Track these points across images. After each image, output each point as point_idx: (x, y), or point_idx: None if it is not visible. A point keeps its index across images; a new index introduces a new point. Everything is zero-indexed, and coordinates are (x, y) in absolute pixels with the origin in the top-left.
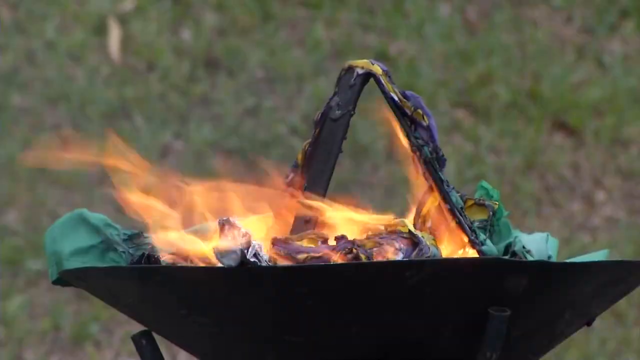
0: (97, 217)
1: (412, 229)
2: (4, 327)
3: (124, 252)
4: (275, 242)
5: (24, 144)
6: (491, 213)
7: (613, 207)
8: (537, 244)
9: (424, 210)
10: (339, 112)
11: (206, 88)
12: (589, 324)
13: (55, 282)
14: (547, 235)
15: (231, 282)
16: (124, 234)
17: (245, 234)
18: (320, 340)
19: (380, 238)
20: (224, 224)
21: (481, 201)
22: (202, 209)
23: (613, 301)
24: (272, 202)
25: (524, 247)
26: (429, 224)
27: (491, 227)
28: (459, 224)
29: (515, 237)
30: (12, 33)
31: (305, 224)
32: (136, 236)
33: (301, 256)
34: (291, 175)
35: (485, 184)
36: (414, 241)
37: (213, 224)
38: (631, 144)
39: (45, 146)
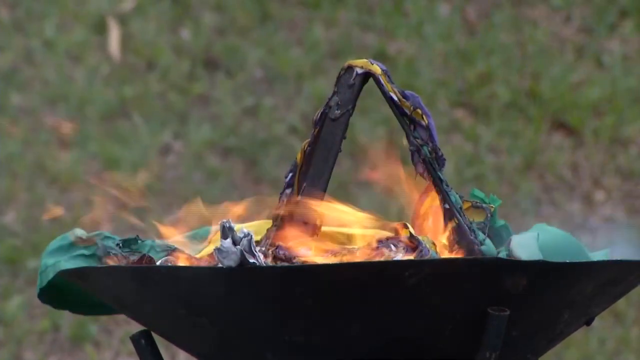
0: (93, 233)
1: (413, 231)
2: (4, 327)
3: (116, 255)
4: (277, 245)
5: (23, 143)
6: (489, 215)
7: (613, 207)
8: (529, 249)
9: (423, 210)
10: (339, 111)
11: (205, 87)
12: (588, 323)
13: (40, 296)
14: (538, 234)
15: (231, 282)
16: (120, 240)
17: (246, 235)
18: (320, 340)
19: (381, 242)
20: (225, 226)
21: (478, 204)
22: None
23: (612, 301)
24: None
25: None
26: (429, 223)
27: (489, 229)
28: (459, 223)
29: (503, 248)
30: (11, 32)
31: (304, 225)
32: (132, 241)
33: (300, 259)
34: (290, 175)
35: (477, 192)
36: (414, 243)
37: (212, 228)
38: (631, 144)
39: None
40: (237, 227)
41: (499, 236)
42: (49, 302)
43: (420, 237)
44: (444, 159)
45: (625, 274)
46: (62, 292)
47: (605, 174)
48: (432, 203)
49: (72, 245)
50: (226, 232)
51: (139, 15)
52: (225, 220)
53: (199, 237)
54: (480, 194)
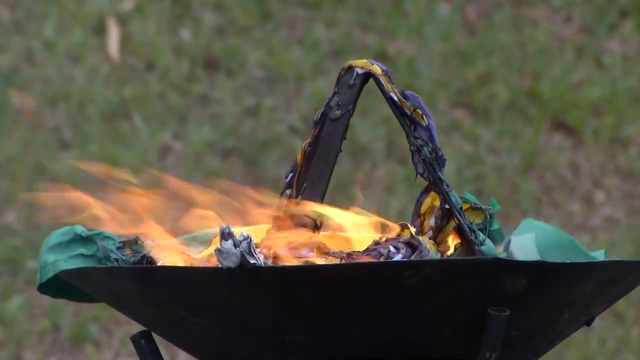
0: (93, 232)
1: (413, 231)
2: (4, 327)
3: (117, 259)
4: (277, 245)
5: (23, 144)
6: (488, 216)
7: (612, 207)
8: (527, 250)
9: (423, 210)
10: (339, 112)
11: (205, 88)
12: (588, 324)
13: (40, 289)
14: (535, 235)
15: (231, 283)
16: (120, 242)
17: (245, 238)
18: (320, 340)
19: (380, 242)
20: (224, 231)
21: (477, 205)
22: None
23: (612, 301)
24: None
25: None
26: (431, 222)
27: (488, 231)
28: (459, 224)
29: (502, 249)
30: (11, 33)
31: (304, 226)
32: (133, 242)
33: (300, 260)
34: (290, 176)
35: (468, 195)
36: (414, 244)
37: (212, 231)
38: (631, 144)
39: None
40: (236, 230)
41: (493, 240)
42: (49, 293)
43: (420, 238)
44: (444, 159)
45: (625, 274)
46: (61, 284)
47: (605, 174)
48: (432, 203)
49: (71, 243)
50: (226, 236)
51: (139, 16)
52: (224, 226)
53: (199, 240)
54: (472, 198)
